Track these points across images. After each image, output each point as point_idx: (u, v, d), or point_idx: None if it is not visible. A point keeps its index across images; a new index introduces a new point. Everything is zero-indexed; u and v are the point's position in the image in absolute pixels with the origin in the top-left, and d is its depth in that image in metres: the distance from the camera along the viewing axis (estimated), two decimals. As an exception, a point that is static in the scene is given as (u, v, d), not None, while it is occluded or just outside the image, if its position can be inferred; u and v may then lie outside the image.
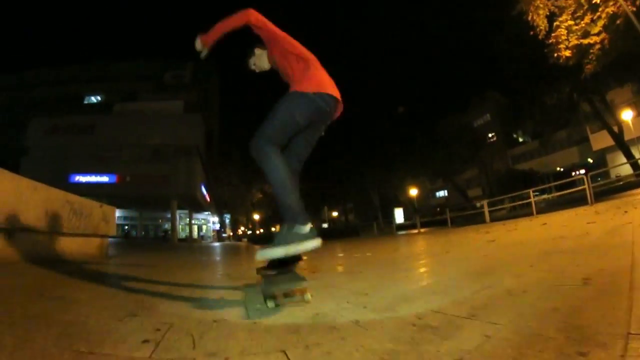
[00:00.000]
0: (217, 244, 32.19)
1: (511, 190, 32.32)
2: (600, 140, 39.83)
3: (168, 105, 37.66)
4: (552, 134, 33.77)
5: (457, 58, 46.08)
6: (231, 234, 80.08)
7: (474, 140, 42.65)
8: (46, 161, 31.73)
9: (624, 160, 24.64)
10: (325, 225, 68.19)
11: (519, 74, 23.34)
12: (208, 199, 45.30)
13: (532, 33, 15.01)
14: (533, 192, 16.72)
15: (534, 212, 14.69)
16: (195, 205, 40.73)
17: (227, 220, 79.98)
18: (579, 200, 13.96)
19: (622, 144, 25.82)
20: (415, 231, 21.74)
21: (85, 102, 44.68)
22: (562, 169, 49.46)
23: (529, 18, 14.59)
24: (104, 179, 33.75)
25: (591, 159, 46.11)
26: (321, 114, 2.36)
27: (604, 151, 41.49)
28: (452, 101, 49.95)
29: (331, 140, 50.47)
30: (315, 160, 45.60)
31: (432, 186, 58.64)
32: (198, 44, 2.56)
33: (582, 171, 45.57)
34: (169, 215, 52.41)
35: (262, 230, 59.22)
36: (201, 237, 53.02)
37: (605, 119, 26.43)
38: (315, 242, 2.14)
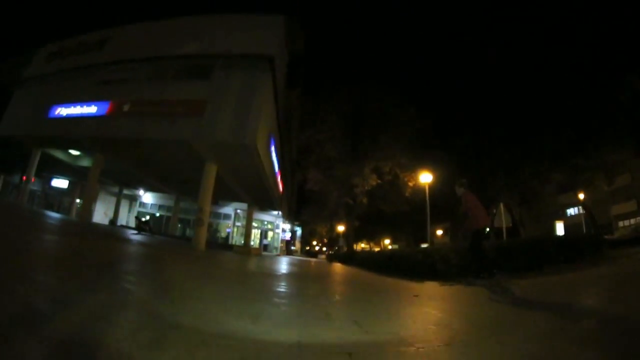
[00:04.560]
0: (284, 259, 14.44)
1: None
2: None
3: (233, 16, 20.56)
4: None
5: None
6: (299, 247, 63.10)
7: None
8: (35, 93, 20.30)
9: None
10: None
11: None
12: (280, 187, 27.76)
13: None
14: None
15: None
16: (259, 192, 23.18)
17: (299, 232, 62.59)
18: None
19: None
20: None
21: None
22: None
23: None
24: (91, 109, 17.38)
25: None
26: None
27: None
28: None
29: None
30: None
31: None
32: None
33: None
34: (221, 210, 36.37)
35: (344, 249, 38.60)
36: (264, 247, 35.81)
37: None
38: None
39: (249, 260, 14.09)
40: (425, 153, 24.45)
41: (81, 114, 17.62)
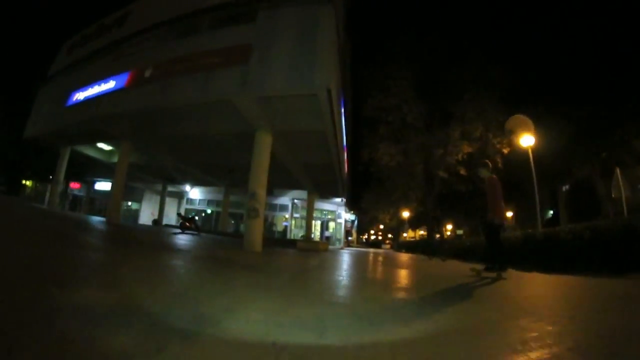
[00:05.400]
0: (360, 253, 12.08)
1: None
2: None
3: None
4: None
5: None
6: (355, 237, 59.30)
7: None
8: (55, 88, 18.72)
9: None
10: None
11: None
12: (346, 167, 23.55)
13: None
14: None
15: None
16: (323, 173, 18.78)
17: (356, 221, 58.64)
18: None
19: None
20: None
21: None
22: None
23: None
24: (109, 85, 14.06)
25: None
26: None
27: None
28: None
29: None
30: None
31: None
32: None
33: None
34: (277, 201, 32.63)
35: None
36: (326, 239, 32.01)
37: None
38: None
39: (326, 260, 9.83)
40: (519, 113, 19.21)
41: (98, 92, 14.48)
